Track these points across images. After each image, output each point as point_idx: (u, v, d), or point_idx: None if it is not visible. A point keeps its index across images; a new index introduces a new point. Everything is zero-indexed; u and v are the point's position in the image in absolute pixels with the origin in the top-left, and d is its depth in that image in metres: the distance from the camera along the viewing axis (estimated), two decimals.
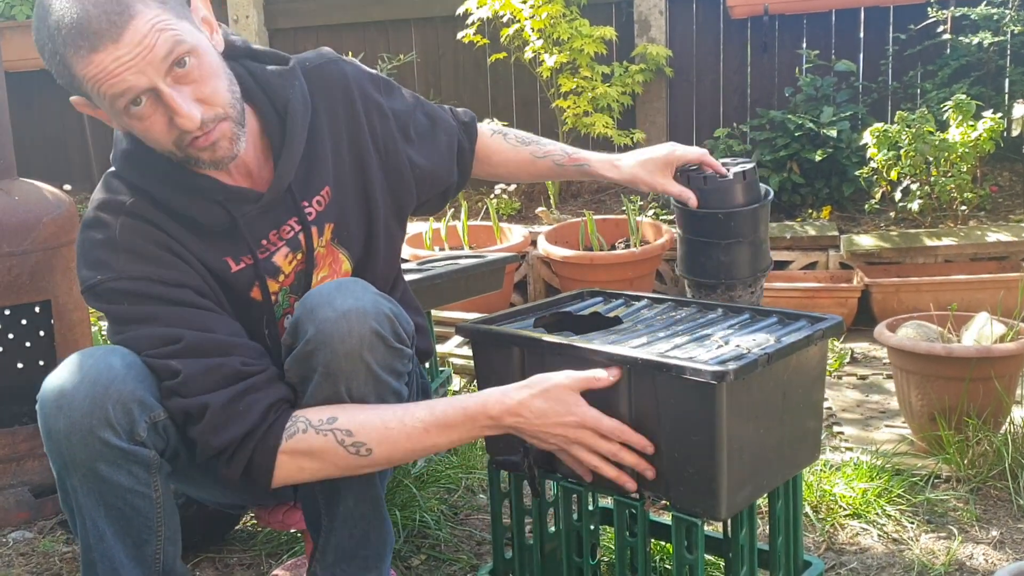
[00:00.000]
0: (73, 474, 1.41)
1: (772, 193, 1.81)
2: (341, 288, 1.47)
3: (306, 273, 1.61)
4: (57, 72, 1.37)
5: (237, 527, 2.20)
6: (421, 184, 1.74)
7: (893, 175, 3.99)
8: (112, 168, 1.54)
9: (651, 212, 4.58)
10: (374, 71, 1.74)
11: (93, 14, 1.30)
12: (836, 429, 2.70)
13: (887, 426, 2.69)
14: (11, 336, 2.40)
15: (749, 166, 1.75)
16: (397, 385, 1.51)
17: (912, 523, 2.07)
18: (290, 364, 1.47)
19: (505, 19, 4.71)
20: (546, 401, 1.44)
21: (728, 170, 1.75)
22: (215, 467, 1.47)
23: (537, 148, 1.88)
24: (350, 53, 5.16)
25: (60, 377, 1.42)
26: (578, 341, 1.53)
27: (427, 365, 2.51)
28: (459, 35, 4.89)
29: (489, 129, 1.89)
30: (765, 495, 1.57)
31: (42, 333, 2.42)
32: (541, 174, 1.92)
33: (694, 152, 1.78)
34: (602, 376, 1.45)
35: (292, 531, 2.09)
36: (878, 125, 4.00)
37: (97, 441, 1.38)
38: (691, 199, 1.74)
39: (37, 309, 2.39)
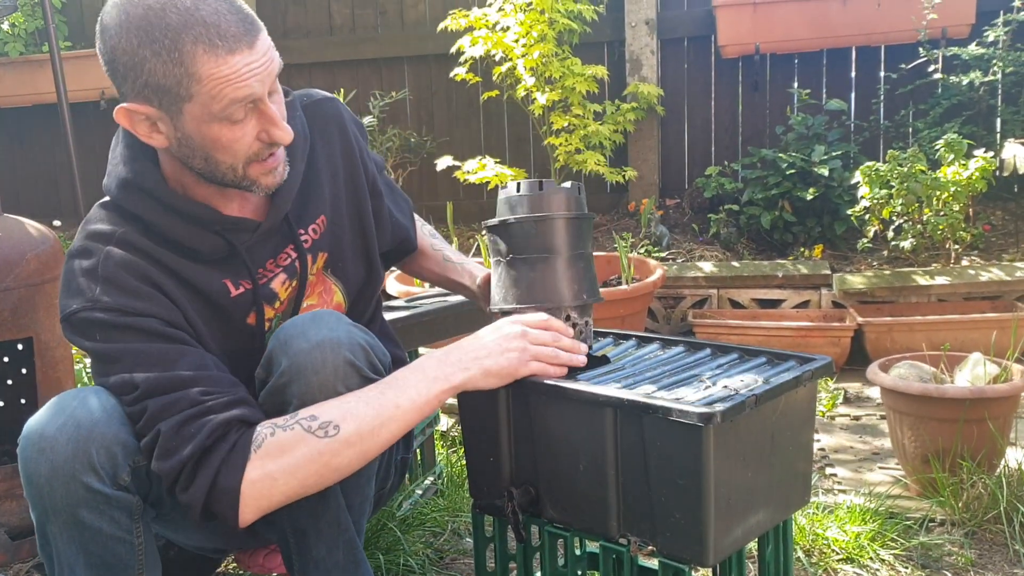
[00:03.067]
0: (54, 520, 1.38)
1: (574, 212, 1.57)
2: (315, 320, 1.45)
3: (296, 300, 1.59)
4: (158, 71, 1.33)
5: (218, 570, 2.16)
6: (394, 232, 1.80)
7: (885, 213, 3.98)
8: (106, 198, 1.53)
9: (642, 249, 4.57)
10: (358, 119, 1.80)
11: (230, 18, 1.34)
12: (829, 471, 2.67)
13: (881, 468, 2.66)
14: None
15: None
16: None
17: (906, 567, 2.03)
18: (264, 398, 1.45)
19: (497, 58, 4.72)
20: (477, 335, 1.50)
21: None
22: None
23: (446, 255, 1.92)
24: (343, 90, 5.18)
25: (41, 420, 1.38)
26: (563, 380, 1.50)
27: None
28: (451, 73, 4.91)
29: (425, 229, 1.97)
30: (755, 540, 1.54)
31: (24, 371, 2.39)
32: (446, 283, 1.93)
33: None
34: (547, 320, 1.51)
35: (273, 575, 2.04)
36: (869, 164, 4.00)
37: (80, 486, 1.35)
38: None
39: (20, 347, 2.36)
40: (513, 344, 1.47)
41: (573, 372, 1.59)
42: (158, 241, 1.48)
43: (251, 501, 1.37)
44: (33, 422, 1.39)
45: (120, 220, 1.48)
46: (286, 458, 1.36)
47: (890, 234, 4.10)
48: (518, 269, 1.55)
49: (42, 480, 1.35)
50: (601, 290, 4.36)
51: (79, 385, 2.76)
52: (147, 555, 1.44)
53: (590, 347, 1.58)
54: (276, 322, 1.59)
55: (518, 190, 1.54)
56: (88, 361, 1.50)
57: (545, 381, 1.50)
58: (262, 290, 1.56)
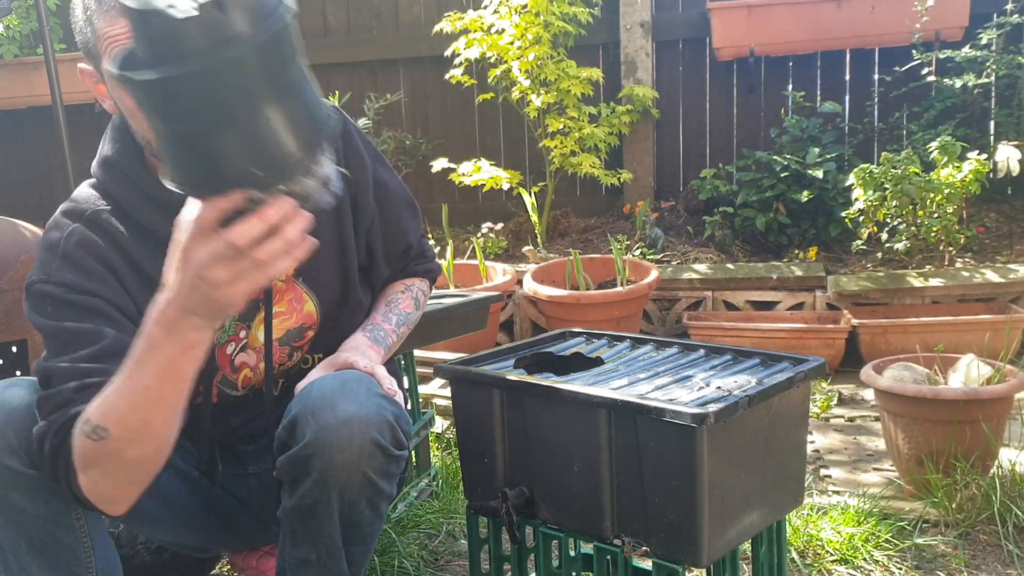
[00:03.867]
0: None
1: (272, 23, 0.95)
2: (344, 390, 1.40)
3: (258, 304, 1.58)
4: (81, 30, 1.43)
5: (213, 572, 2.15)
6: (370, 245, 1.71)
7: (879, 216, 3.99)
8: (91, 179, 1.55)
9: (637, 251, 4.58)
10: (370, 141, 1.73)
11: None
12: (823, 472, 2.67)
13: (875, 469, 2.66)
14: None
15: None
16: (389, 489, 1.46)
17: (900, 568, 2.04)
18: (283, 463, 1.41)
19: (493, 60, 4.73)
20: (183, 279, 1.13)
21: None
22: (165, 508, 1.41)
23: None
24: (338, 93, 5.18)
25: None
26: (558, 382, 1.50)
27: (409, 406, 2.47)
28: (447, 75, 4.91)
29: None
30: (749, 540, 1.54)
31: (19, 373, 2.38)
32: None
33: None
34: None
35: None
36: (863, 166, 4.01)
37: (4, 469, 1.34)
38: None
39: (14, 349, 2.36)
40: (224, 290, 1.10)
41: (569, 372, 1.59)
42: (128, 226, 1.48)
43: (97, 500, 1.33)
44: None
45: (97, 199, 1.50)
46: (91, 465, 1.30)
47: (884, 236, 4.10)
48: (174, 141, 1.00)
49: None
50: (595, 292, 4.27)
51: None
52: (95, 539, 1.42)
53: (334, 192, 1.07)
54: (230, 322, 1.58)
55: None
56: None
57: (540, 383, 1.51)
58: None
